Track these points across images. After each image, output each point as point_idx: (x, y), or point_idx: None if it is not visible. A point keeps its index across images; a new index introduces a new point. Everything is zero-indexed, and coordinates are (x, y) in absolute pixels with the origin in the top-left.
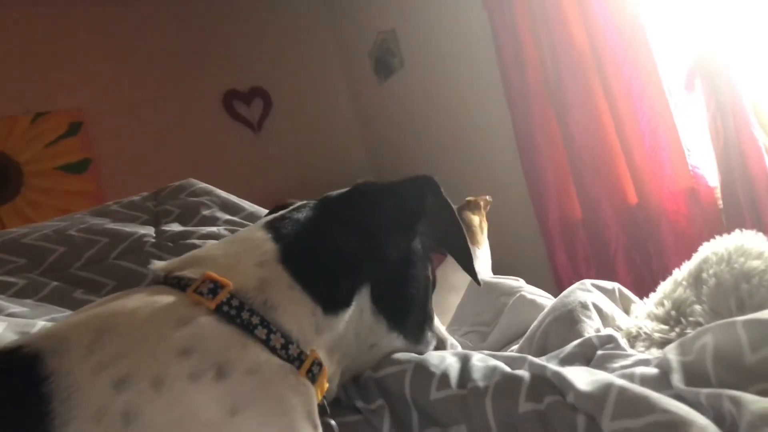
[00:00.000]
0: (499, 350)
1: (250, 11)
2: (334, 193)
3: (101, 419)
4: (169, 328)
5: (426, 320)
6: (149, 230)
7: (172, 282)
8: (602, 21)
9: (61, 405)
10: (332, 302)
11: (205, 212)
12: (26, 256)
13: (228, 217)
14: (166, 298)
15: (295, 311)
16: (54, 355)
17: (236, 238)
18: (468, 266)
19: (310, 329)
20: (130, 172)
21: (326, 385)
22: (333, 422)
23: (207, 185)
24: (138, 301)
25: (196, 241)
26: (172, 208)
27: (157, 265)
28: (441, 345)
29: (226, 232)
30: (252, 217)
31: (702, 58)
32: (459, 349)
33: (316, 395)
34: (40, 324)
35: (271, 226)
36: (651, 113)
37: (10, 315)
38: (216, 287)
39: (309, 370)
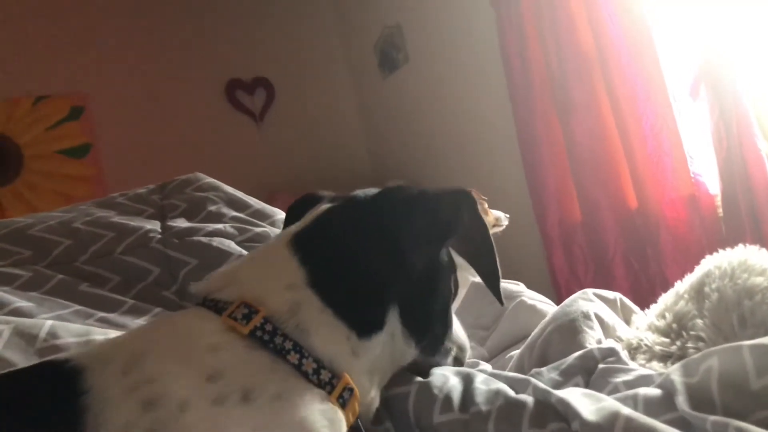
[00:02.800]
0: (497, 355)
1: (257, 0)
2: (362, 194)
3: None
4: (200, 354)
5: (446, 331)
6: (155, 225)
7: (210, 305)
8: (609, 24)
9: (95, 418)
10: (365, 326)
11: (212, 208)
12: (31, 247)
13: (234, 213)
14: (202, 324)
15: (327, 336)
16: (94, 372)
17: (264, 257)
18: (495, 288)
19: (346, 353)
20: (130, 158)
21: (358, 408)
22: None
23: (214, 180)
24: (178, 326)
25: (203, 239)
26: (178, 202)
27: (198, 288)
28: (461, 353)
29: (232, 230)
30: (258, 215)
31: (708, 66)
32: (469, 352)
33: (346, 420)
34: (47, 325)
35: (297, 245)
36: (654, 118)
37: (16, 310)
38: (250, 312)
39: (340, 396)
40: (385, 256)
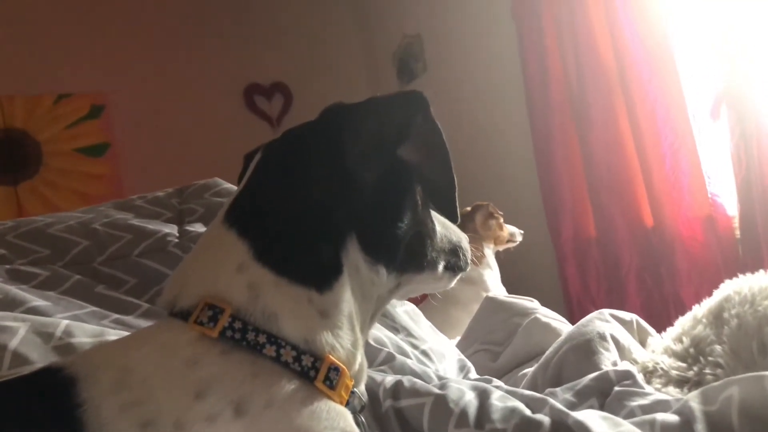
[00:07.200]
0: (509, 372)
1: (278, 6)
2: (298, 128)
3: None
4: (181, 371)
5: (424, 242)
6: (173, 229)
7: (178, 315)
8: (630, 40)
9: None
10: (322, 277)
11: None
12: (50, 246)
13: None
14: (174, 337)
15: (292, 311)
16: (86, 384)
17: (207, 243)
18: (451, 201)
19: (315, 320)
20: (147, 159)
21: (351, 383)
22: (362, 419)
23: (232, 186)
24: (154, 342)
25: None
26: (196, 207)
27: (161, 301)
28: (453, 258)
29: None
30: None
31: (730, 87)
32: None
33: (339, 400)
34: (63, 324)
35: (232, 219)
36: (673, 136)
37: (32, 309)
38: (215, 313)
39: (326, 378)
40: (329, 183)
